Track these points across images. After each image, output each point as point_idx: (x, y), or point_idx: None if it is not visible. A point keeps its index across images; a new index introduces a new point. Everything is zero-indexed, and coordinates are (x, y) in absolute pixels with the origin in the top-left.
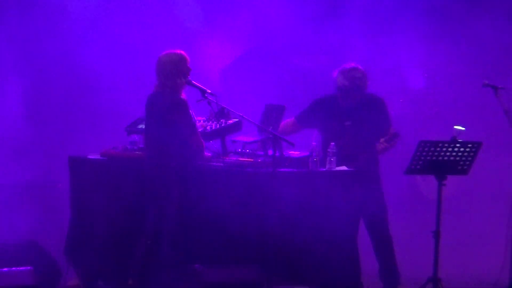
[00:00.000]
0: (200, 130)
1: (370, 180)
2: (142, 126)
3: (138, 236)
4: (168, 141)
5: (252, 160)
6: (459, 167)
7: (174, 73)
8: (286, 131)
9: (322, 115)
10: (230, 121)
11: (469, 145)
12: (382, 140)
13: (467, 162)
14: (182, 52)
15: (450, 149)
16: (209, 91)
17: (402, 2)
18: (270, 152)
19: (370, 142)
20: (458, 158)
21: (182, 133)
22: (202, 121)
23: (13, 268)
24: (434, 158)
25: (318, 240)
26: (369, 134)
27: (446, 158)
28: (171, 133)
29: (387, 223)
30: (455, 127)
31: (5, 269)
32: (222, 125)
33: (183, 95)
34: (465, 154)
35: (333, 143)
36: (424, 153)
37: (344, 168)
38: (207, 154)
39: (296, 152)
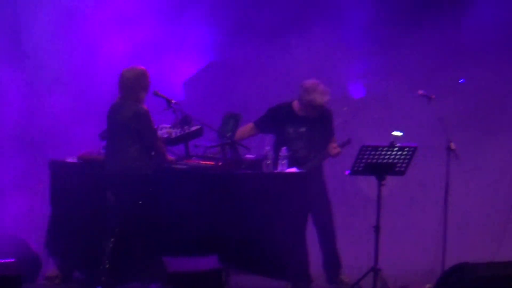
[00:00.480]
0: (165, 136)
1: (317, 180)
2: None
3: (109, 231)
4: (132, 146)
5: (212, 163)
6: (397, 169)
7: (136, 86)
8: (245, 135)
9: (278, 121)
10: (193, 128)
11: (406, 149)
12: (335, 145)
13: (404, 164)
14: (143, 67)
15: (389, 153)
16: (174, 101)
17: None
18: (228, 155)
19: (320, 147)
20: (396, 161)
21: (146, 140)
22: (167, 128)
23: None
24: (374, 160)
25: (271, 234)
26: (319, 140)
27: (385, 160)
28: (134, 140)
29: (331, 218)
30: (393, 132)
31: None
32: (186, 131)
33: (145, 106)
34: (402, 157)
35: (284, 148)
36: (366, 156)
37: (294, 169)
38: (172, 157)
39: (251, 156)
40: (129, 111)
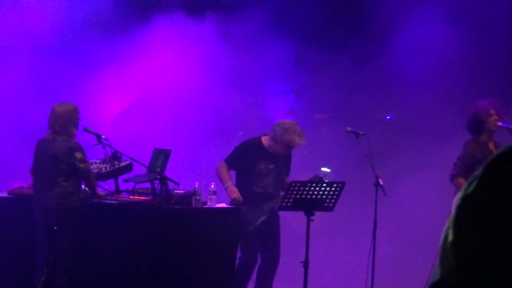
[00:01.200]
0: (96, 171)
1: (274, 216)
2: None
3: (41, 268)
4: (66, 181)
5: (142, 198)
6: (326, 204)
7: (67, 122)
8: (223, 169)
9: (251, 158)
10: (122, 163)
11: (334, 185)
12: (305, 180)
13: (333, 200)
14: (74, 103)
15: (317, 189)
16: (104, 137)
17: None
18: (158, 190)
19: (282, 184)
20: (324, 196)
21: (81, 174)
22: (97, 163)
23: None
24: (303, 196)
25: (201, 270)
26: (282, 177)
27: (314, 196)
28: (68, 175)
29: (278, 257)
30: (322, 168)
31: None
32: (115, 166)
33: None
34: (331, 192)
35: (213, 183)
36: (295, 192)
37: (223, 205)
38: (102, 192)
39: (181, 191)
40: (64, 147)
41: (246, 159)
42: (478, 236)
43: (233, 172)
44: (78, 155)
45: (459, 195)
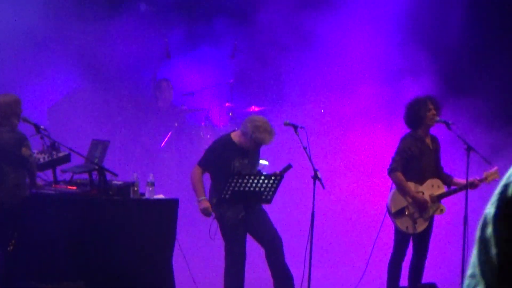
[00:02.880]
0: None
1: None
2: None
3: None
4: (14, 172)
5: (79, 188)
6: (263, 197)
7: (9, 113)
8: (201, 179)
9: (224, 157)
10: (60, 154)
11: (272, 178)
12: (278, 172)
13: (270, 193)
14: (15, 94)
15: (255, 181)
16: (42, 127)
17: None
18: (96, 181)
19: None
20: (262, 189)
21: (28, 165)
22: (35, 153)
23: None
24: (241, 189)
25: (137, 261)
26: (255, 169)
27: (252, 189)
28: (16, 166)
29: (278, 234)
30: (260, 161)
31: None
32: (53, 157)
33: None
34: (269, 185)
35: (151, 174)
36: (233, 184)
37: (161, 196)
38: (40, 182)
39: (119, 182)
40: (12, 138)
41: (219, 159)
42: None
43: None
44: (27, 146)
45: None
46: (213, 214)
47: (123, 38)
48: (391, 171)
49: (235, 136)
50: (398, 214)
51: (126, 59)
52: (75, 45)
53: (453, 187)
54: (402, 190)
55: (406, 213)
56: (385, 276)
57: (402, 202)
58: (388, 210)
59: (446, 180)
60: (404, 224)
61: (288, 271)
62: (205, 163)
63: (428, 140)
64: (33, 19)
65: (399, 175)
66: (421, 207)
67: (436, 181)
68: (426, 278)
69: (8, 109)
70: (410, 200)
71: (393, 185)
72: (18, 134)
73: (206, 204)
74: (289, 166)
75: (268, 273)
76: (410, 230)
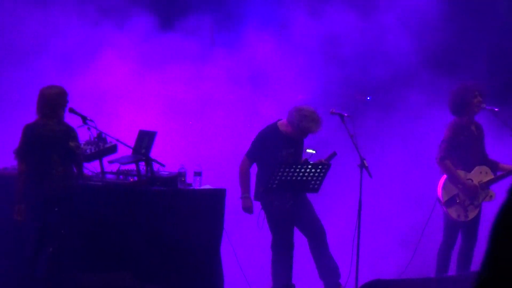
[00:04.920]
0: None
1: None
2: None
3: (27, 247)
4: (63, 165)
5: (127, 179)
6: (311, 186)
7: (55, 105)
8: (246, 172)
9: (270, 146)
10: (107, 145)
11: (319, 167)
12: (323, 160)
13: (318, 181)
14: (61, 86)
15: (302, 170)
16: (89, 118)
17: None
18: (143, 172)
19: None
20: (309, 178)
21: (76, 158)
22: (82, 144)
23: None
24: (288, 178)
25: (185, 250)
26: (300, 159)
27: (299, 178)
28: (65, 158)
29: (321, 225)
30: (307, 150)
31: None
32: (100, 148)
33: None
34: (316, 174)
35: (199, 164)
36: (280, 174)
37: (208, 186)
38: (87, 173)
39: (166, 172)
40: (58, 130)
41: (267, 149)
42: None
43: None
44: (74, 138)
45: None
46: (260, 204)
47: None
48: (440, 160)
49: (282, 125)
50: (449, 202)
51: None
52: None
53: (499, 173)
54: (452, 178)
55: (457, 201)
56: (432, 264)
57: (453, 190)
58: (439, 199)
59: (493, 166)
60: (456, 212)
61: (334, 261)
62: (253, 154)
63: (473, 127)
64: None
65: (448, 163)
66: (472, 194)
67: (484, 168)
68: (475, 266)
69: (54, 101)
70: (460, 187)
71: (442, 174)
72: (66, 126)
73: (249, 204)
74: (334, 154)
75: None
76: (462, 218)
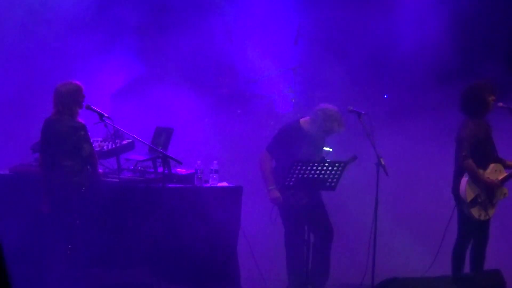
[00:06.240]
0: (97, 149)
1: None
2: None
3: (44, 243)
4: (71, 160)
5: (143, 176)
6: (327, 184)
7: (71, 101)
8: (268, 165)
9: (292, 143)
10: (124, 142)
11: (336, 165)
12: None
13: (335, 179)
14: (78, 82)
15: (319, 168)
16: (106, 115)
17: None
18: (160, 169)
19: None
20: (326, 176)
21: (84, 153)
22: (99, 141)
23: None
24: (305, 175)
25: (202, 247)
26: (319, 157)
27: (316, 176)
28: (73, 154)
29: (331, 227)
30: (324, 148)
31: None
32: (117, 145)
33: (81, 120)
34: (333, 172)
35: (215, 161)
36: (297, 171)
37: (225, 184)
38: (104, 170)
39: (183, 170)
40: (66, 126)
41: (288, 144)
42: None
43: None
44: (82, 134)
45: None
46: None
47: (184, 23)
48: (464, 159)
49: (304, 122)
50: (473, 202)
51: (189, 45)
52: (139, 33)
53: (507, 170)
54: (475, 177)
55: (479, 200)
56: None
57: (475, 190)
58: (462, 199)
59: (502, 164)
60: (478, 212)
61: (329, 265)
62: (273, 148)
63: (486, 125)
64: (92, 7)
65: (472, 162)
66: (490, 193)
67: (498, 166)
68: (488, 264)
69: (69, 98)
70: (483, 186)
71: (466, 173)
72: (75, 123)
73: (276, 194)
74: (354, 157)
75: None
76: (483, 217)
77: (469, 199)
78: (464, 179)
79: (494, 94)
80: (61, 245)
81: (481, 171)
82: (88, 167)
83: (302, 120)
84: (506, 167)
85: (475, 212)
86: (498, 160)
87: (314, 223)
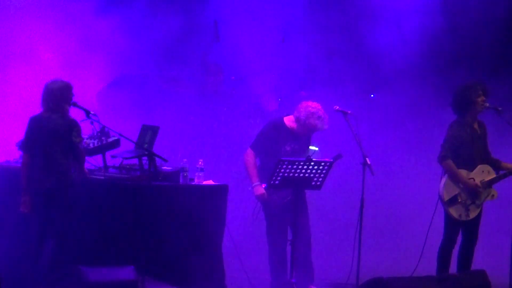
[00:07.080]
0: (83, 146)
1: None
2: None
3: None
4: (66, 158)
5: (129, 174)
6: (313, 183)
7: (59, 98)
8: (252, 162)
9: (275, 140)
10: (110, 139)
11: (322, 164)
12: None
13: (320, 179)
14: (66, 81)
15: (305, 167)
16: (92, 112)
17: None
18: (146, 166)
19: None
20: (312, 175)
21: (77, 152)
22: (85, 138)
23: None
24: (291, 174)
25: (187, 245)
26: (305, 155)
27: (301, 175)
28: (67, 152)
29: (309, 231)
30: (310, 147)
31: None
32: (103, 142)
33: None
34: (319, 171)
35: (201, 160)
36: (283, 170)
37: (211, 182)
38: (90, 167)
39: (169, 168)
40: (63, 124)
41: (271, 142)
42: None
43: None
44: (77, 132)
45: None
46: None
47: (171, 20)
48: (442, 159)
49: (288, 120)
50: (451, 202)
51: (175, 43)
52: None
53: (501, 172)
54: (453, 177)
55: (459, 200)
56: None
57: (455, 190)
58: (441, 198)
59: (495, 165)
60: (457, 211)
61: (311, 265)
62: (258, 146)
63: (476, 126)
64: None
65: (450, 162)
66: (473, 194)
67: (486, 167)
68: (475, 265)
69: (58, 96)
70: (462, 186)
71: (444, 173)
72: (69, 121)
73: (262, 191)
74: (339, 156)
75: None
76: (463, 218)
77: (446, 198)
78: (443, 179)
79: (485, 95)
80: (47, 242)
81: (464, 171)
82: (76, 164)
83: (286, 118)
84: (500, 168)
85: (453, 211)
86: (490, 161)
87: (294, 223)
